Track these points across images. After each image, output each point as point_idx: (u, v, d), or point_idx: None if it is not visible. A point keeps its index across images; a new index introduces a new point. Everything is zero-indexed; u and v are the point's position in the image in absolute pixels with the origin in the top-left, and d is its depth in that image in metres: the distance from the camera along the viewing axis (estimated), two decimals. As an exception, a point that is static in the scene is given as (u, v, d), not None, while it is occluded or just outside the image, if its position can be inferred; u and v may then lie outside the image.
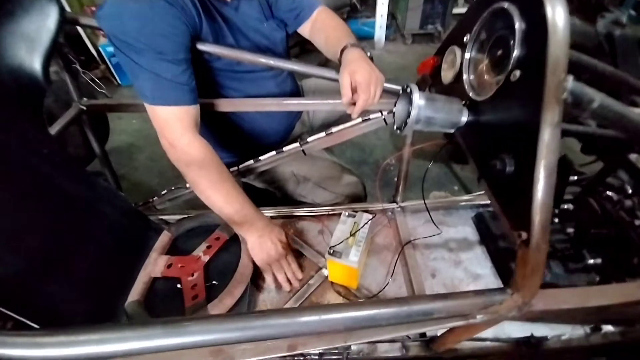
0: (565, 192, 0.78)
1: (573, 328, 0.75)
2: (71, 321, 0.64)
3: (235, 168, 0.93)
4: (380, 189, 0.89)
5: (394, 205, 0.99)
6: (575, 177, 0.87)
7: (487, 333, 0.64)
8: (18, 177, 0.63)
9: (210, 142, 0.73)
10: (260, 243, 0.77)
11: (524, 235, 0.37)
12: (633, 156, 0.72)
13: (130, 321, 0.64)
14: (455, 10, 2.91)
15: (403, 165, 0.94)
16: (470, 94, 0.52)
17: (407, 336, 0.69)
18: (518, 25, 0.40)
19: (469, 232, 0.93)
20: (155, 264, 0.79)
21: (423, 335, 0.69)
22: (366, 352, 0.71)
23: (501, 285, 0.81)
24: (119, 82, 2.60)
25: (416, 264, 0.84)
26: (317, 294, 0.81)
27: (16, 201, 0.61)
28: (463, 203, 1.00)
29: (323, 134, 0.87)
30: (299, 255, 0.87)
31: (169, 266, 0.79)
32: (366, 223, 0.79)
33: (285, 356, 0.44)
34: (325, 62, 0.85)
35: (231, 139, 0.97)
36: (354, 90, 0.69)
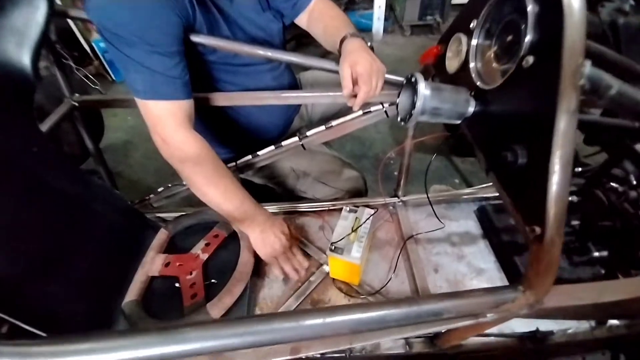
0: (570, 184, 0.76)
1: (578, 322, 0.74)
2: (67, 322, 0.63)
3: (233, 164, 0.91)
4: (382, 183, 0.87)
5: (395, 200, 0.97)
6: (580, 169, 0.86)
7: (492, 328, 0.63)
8: (7, 175, 0.60)
9: (206, 138, 0.71)
10: (263, 238, 0.76)
11: (538, 230, 0.35)
12: (639, 146, 0.70)
13: (124, 330, 0.62)
14: (455, 1, 2.87)
15: (405, 158, 0.92)
16: (478, 83, 0.50)
17: (412, 333, 0.68)
18: (531, 8, 0.38)
19: (472, 225, 0.92)
20: (152, 263, 0.78)
21: (427, 332, 0.68)
22: (369, 349, 0.70)
23: (504, 279, 0.81)
24: (113, 78, 2.56)
25: (419, 259, 0.83)
26: (318, 290, 0.79)
27: (6, 200, 0.59)
28: (465, 196, 0.98)
29: (323, 127, 0.85)
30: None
31: (166, 265, 0.78)
32: (368, 218, 0.77)
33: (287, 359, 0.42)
34: (323, 55, 0.82)
35: (228, 134, 0.95)
36: (354, 82, 0.67)
